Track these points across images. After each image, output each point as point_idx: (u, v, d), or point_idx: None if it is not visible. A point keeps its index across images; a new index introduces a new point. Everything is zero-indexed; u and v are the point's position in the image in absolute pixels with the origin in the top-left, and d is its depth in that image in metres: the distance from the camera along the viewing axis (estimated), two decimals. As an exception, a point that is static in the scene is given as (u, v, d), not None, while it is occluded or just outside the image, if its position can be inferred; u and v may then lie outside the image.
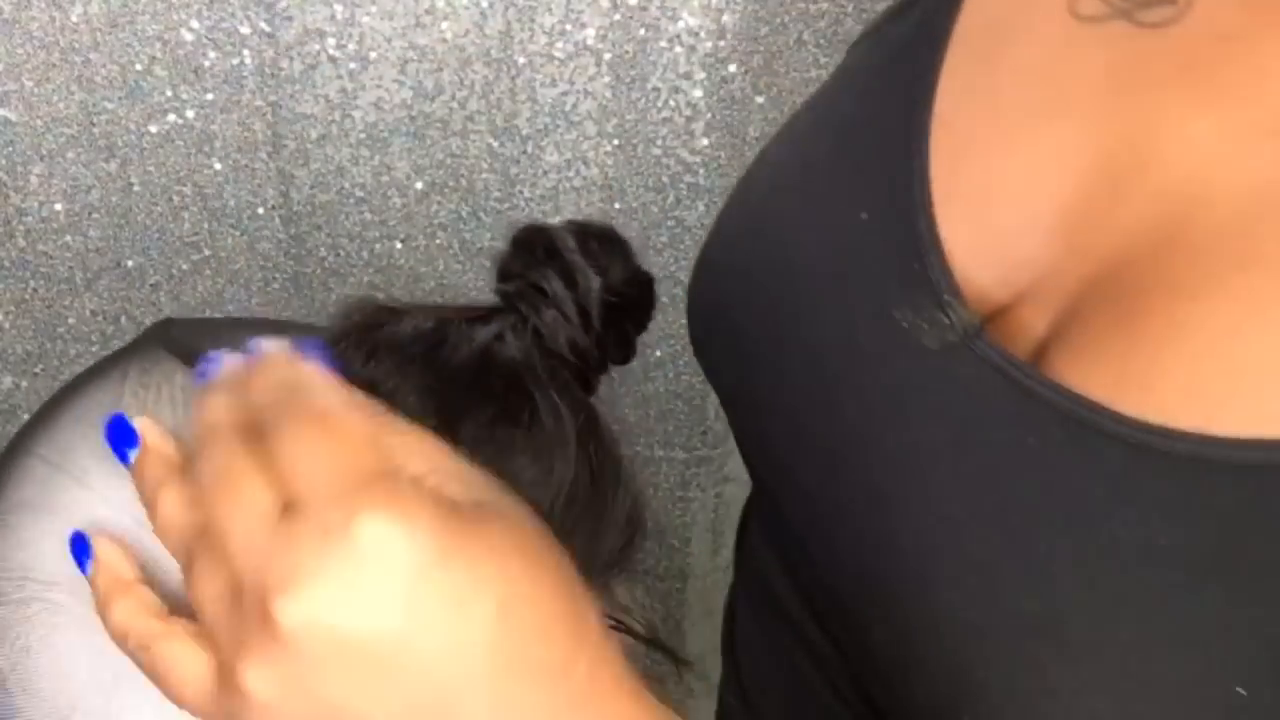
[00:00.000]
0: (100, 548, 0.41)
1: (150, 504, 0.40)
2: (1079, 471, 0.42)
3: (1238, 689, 0.39)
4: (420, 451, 0.38)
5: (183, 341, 0.44)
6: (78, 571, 0.41)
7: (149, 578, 0.41)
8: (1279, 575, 0.39)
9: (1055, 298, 0.45)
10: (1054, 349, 0.44)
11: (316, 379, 0.39)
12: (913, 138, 0.48)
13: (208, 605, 0.38)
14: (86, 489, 0.41)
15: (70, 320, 1.09)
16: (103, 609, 0.40)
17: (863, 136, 0.51)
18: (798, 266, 0.50)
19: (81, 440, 0.42)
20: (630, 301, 0.46)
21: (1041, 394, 0.42)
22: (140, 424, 0.41)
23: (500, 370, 0.43)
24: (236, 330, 0.45)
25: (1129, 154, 0.44)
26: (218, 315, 1.07)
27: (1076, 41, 0.47)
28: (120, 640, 0.40)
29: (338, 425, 0.37)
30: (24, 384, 1.11)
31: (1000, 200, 0.47)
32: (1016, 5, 0.49)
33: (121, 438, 0.41)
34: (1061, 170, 0.46)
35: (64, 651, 0.41)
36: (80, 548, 0.41)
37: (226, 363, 0.41)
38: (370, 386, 0.42)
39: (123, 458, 0.41)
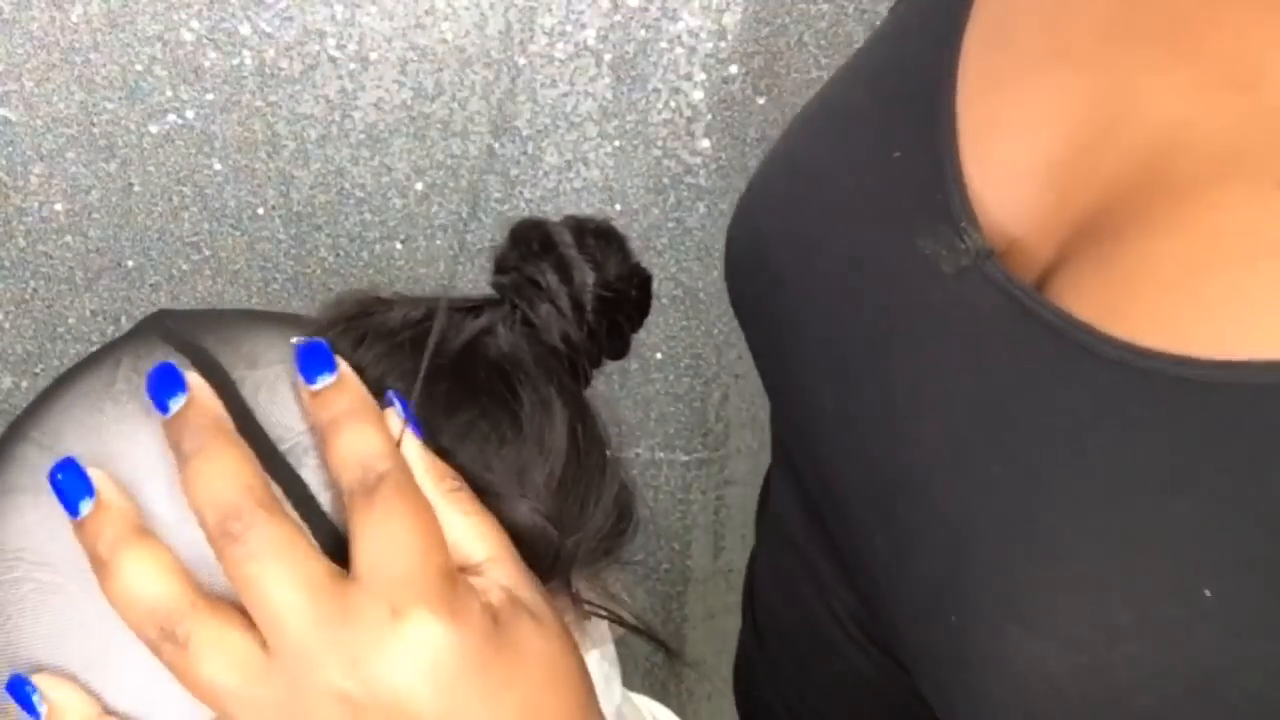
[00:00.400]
0: (102, 485, 0.40)
1: (191, 453, 0.40)
2: (1068, 388, 0.45)
3: (1205, 591, 0.42)
4: (482, 537, 0.41)
5: (177, 332, 0.44)
6: (71, 552, 0.41)
7: None
8: (1243, 485, 0.42)
9: (1055, 231, 0.49)
10: (1053, 278, 0.48)
11: (387, 456, 0.40)
12: (941, 76, 0.52)
13: (243, 681, 0.39)
14: None
15: (70, 320, 1.09)
16: (106, 568, 0.39)
17: (896, 79, 0.55)
18: (831, 202, 0.54)
19: (73, 424, 0.42)
20: (625, 297, 0.46)
21: (1040, 314, 0.46)
22: (190, 377, 0.41)
23: (489, 359, 0.44)
24: (231, 321, 0.45)
25: (1117, 102, 0.48)
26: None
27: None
28: (139, 597, 0.39)
29: (422, 523, 0.39)
30: (24, 384, 1.11)
31: (1012, 139, 0.50)
32: None
33: (167, 385, 0.41)
34: (1060, 115, 0.49)
35: (54, 630, 0.40)
36: (71, 478, 0.40)
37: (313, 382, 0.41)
38: (359, 372, 0.43)
39: (163, 407, 0.41)
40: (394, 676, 0.38)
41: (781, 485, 0.65)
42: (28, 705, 0.40)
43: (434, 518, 0.39)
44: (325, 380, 0.41)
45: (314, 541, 0.39)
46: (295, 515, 0.40)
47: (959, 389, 0.48)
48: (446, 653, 0.38)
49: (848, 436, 0.53)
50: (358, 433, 0.40)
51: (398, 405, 0.41)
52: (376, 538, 0.38)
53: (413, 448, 0.41)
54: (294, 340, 0.43)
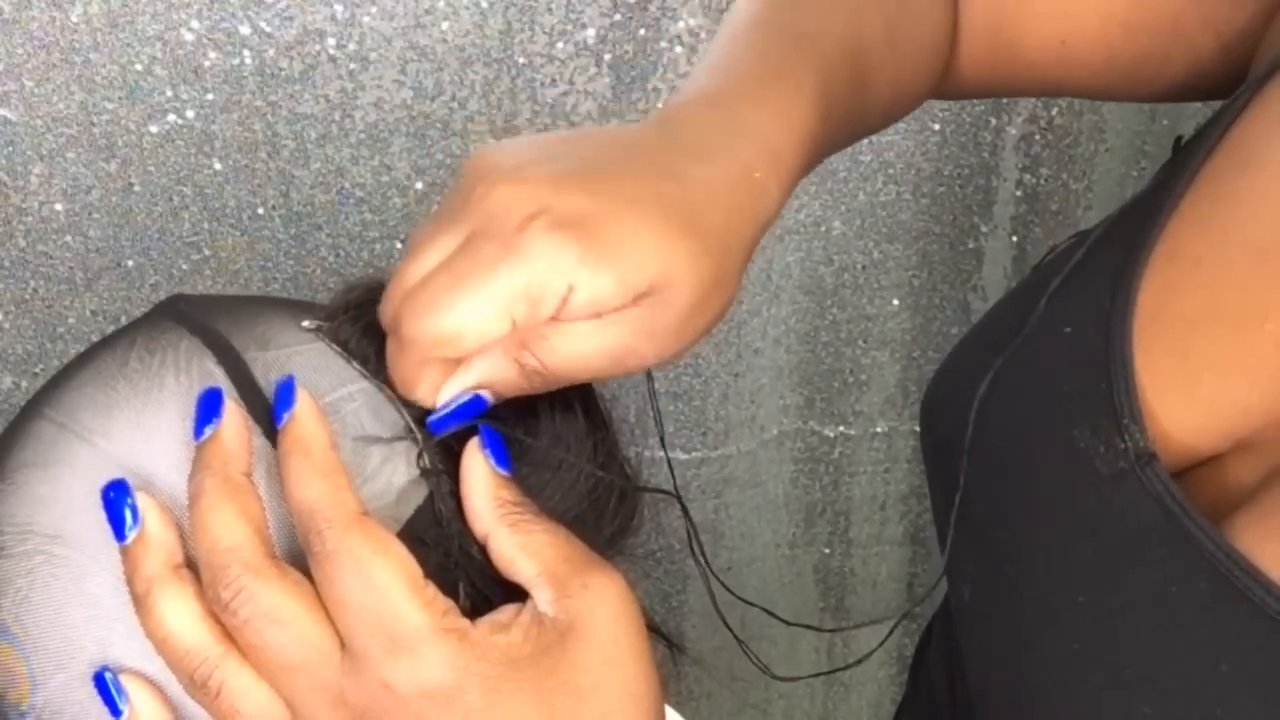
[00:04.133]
0: (150, 518, 0.40)
1: (193, 498, 0.40)
2: (1209, 636, 0.39)
3: None
4: (530, 551, 0.40)
5: (191, 315, 0.44)
6: (80, 525, 0.41)
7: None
8: None
9: (1268, 450, 0.42)
10: (1246, 506, 0.41)
11: (338, 505, 0.39)
12: (1133, 256, 0.46)
13: (275, 665, 0.39)
14: (90, 445, 0.42)
15: (70, 320, 1.09)
16: (144, 599, 0.39)
17: (1095, 251, 0.49)
18: (1004, 375, 0.49)
19: (87, 401, 0.43)
20: None
21: (1197, 539, 0.40)
22: (228, 408, 0.41)
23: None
24: (244, 306, 0.46)
25: None
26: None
27: None
28: (162, 644, 0.39)
29: (379, 573, 0.38)
30: (24, 384, 1.11)
31: (1217, 335, 0.44)
32: (1270, 144, 0.46)
33: (207, 411, 0.41)
34: None
35: (63, 602, 0.41)
36: (119, 501, 0.40)
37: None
38: (364, 360, 0.43)
39: (198, 432, 0.41)
40: None
41: (937, 661, 0.60)
42: (111, 702, 0.40)
43: (389, 567, 0.38)
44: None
45: (311, 590, 0.39)
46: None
47: (1092, 607, 0.42)
48: (446, 711, 0.37)
49: (979, 632, 0.48)
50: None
51: (485, 444, 0.42)
52: (338, 605, 0.38)
53: (476, 475, 0.41)
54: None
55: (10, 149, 1.00)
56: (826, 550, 1.29)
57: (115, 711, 0.40)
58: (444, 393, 0.41)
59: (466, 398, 0.41)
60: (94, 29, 0.97)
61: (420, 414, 0.42)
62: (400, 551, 0.39)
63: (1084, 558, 0.43)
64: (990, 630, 0.47)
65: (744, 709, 1.34)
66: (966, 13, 0.58)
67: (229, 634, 0.39)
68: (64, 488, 0.42)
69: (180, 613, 0.39)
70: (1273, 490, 0.41)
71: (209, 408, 0.41)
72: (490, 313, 0.39)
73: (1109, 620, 0.41)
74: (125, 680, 0.40)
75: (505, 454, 0.42)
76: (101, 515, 0.41)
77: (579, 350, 0.40)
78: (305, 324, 0.44)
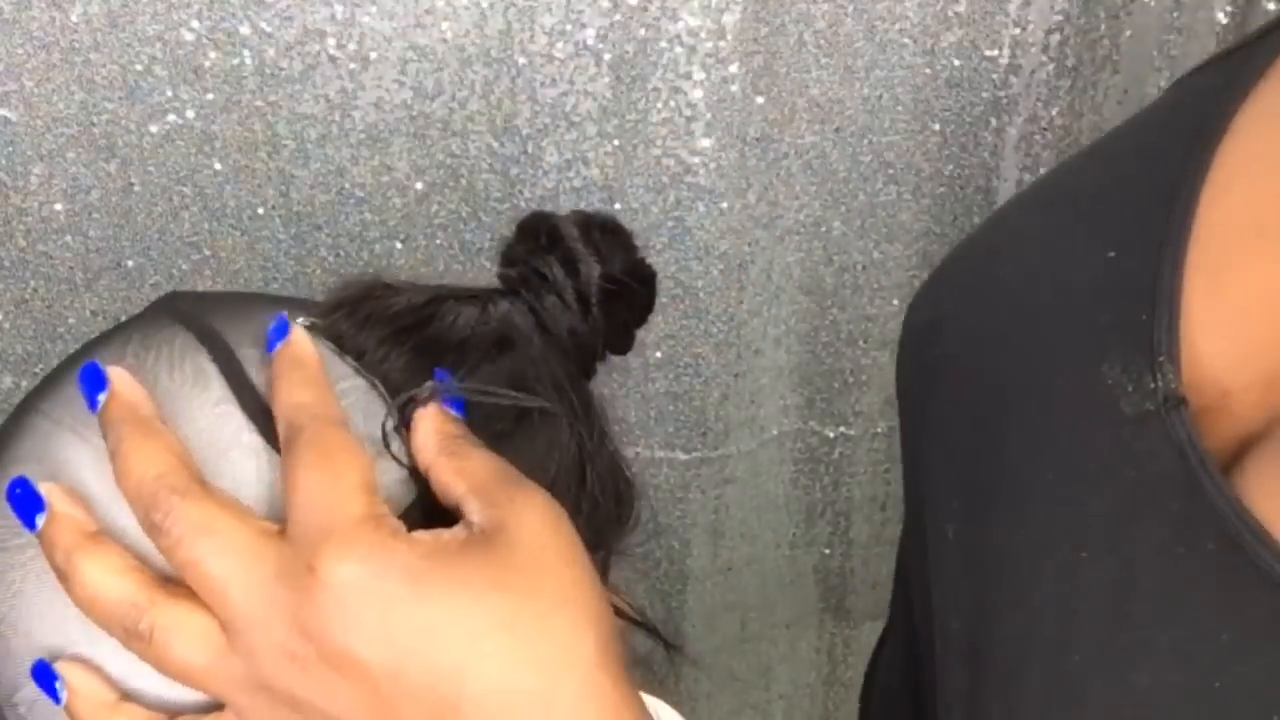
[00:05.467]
0: (71, 675, 0.41)
1: (114, 453, 0.41)
2: (1213, 601, 0.37)
3: None
4: (462, 474, 0.42)
5: (187, 312, 0.45)
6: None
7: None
8: None
9: (1276, 391, 0.40)
10: (1251, 455, 0.39)
11: (325, 406, 0.41)
12: (1187, 182, 0.43)
13: (207, 661, 0.40)
14: (85, 441, 0.42)
15: (70, 320, 1.09)
16: (68, 572, 0.40)
17: (1137, 172, 0.46)
18: (1024, 293, 0.46)
19: (81, 399, 0.43)
20: (630, 291, 0.47)
21: (1211, 497, 0.37)
22: (111, 370, 0.42)
23: (495, 350, 0.44)
24: (239, 302, 0.46)
25: None
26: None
27: None
28: (100, 600, 0.40)
29: (341, 467, 0.40)
30: (24, 384, 1.11)
31: (1256, 273, 0.41)
32: None
33: (93, 383, 0.42)
34: None
35: (55, 596, 0.41)
36: (25, 494, 0.41)
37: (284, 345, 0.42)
38: (359, 356, 0.44)
39: (92, 404, 0.42)
40: (328, 627, 0.38)
41: (893, 648, 0.57)
42: (50, 689, 0.41)
43: (353, 465, 0.39)
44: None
45: (243, 506, 0.40)
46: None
47: (1092, 563, 0.40)
48: (367, 595, 0.38)
49: (958, 580, 0.45)
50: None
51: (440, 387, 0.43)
52: (294, 490, 0.39)
53: (427, 413, 0.43)
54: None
55: (10, 149, 1.00)
56: (826, 550, 1.29)
57: (55, 698, 0.41)
58: None
59: None
60: (94, 29, 0.96)
61: (411, 412, 0.43)
62: (365, 459, 0.40)
63: (1090, 507, 0.40)
64: (974, 579, 0.44)
65: (744, 709, 1.33)
66: None
67: (157, 580, 0.40)
68: (58, 483, 0.42)
69: (101, 571, 0.40)
70: (1279, 440, 0.39)
71: (94, 382, 0.42)
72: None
73: (1108, 579, 0.39)
74: (59, 666, 0.41)
75: (460, 405, 0.43)
76: (101, 503, 0.41)
77: None
78: (300, 321, 0.45)
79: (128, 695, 0.40)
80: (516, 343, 0.44)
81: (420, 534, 0.39)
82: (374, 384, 0.43)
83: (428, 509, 0.41)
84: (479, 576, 0.39)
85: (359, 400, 0.42)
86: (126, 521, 0.40)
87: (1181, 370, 0.40)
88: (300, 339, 0.42)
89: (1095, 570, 0.39)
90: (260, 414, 0.41)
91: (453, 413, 0.43)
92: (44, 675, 0.41)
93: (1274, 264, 0.41)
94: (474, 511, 0.41)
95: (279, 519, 0.40)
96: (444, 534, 0.40)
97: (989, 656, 0.43)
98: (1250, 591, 0.36)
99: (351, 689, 0.38)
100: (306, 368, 0.41)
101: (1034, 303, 0.45)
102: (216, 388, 0.42)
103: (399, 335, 0.44)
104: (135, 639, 0.39)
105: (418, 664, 0.37)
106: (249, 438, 0.41)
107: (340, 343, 0.44)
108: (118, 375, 0.42)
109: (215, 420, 0.41)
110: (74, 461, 0.42)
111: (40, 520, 0.41)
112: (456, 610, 0.38)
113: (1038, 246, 0.47)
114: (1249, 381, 0.40)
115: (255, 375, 0.42)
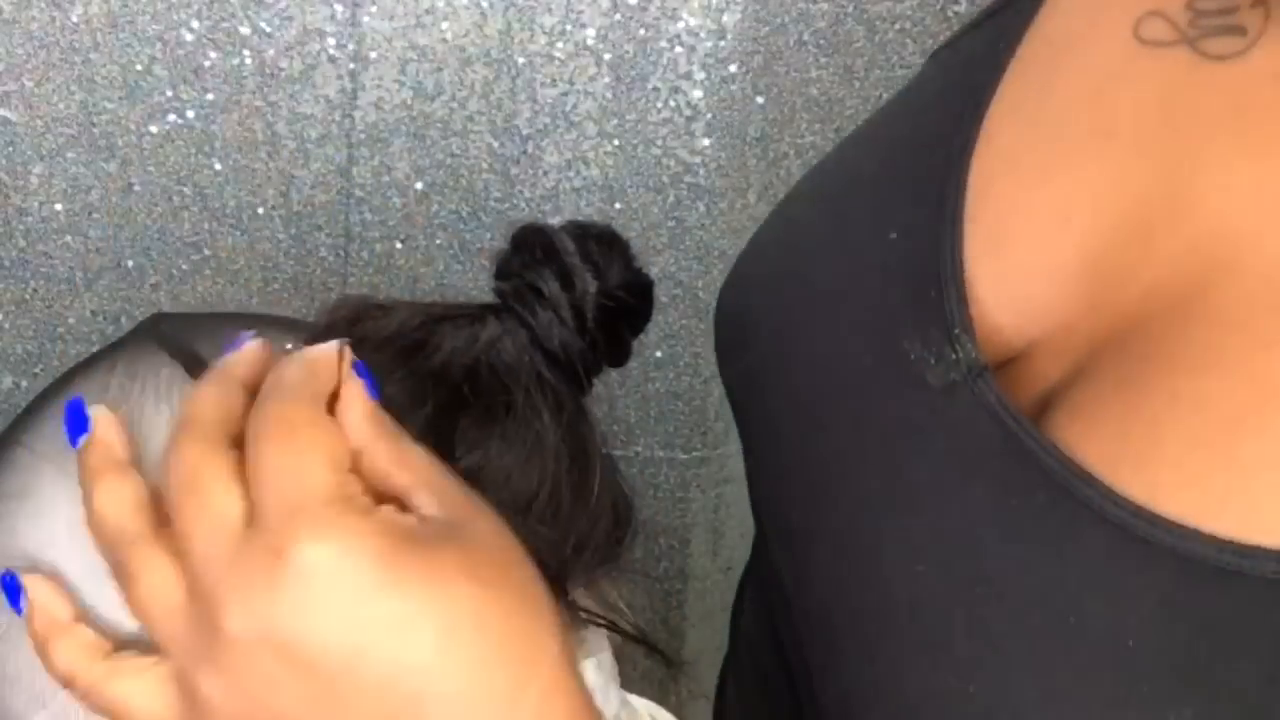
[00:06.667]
0: (34, 589, 0.41)
1: (87, 496, 0.40)
2: (1053, 545, 0.38)
3: None
4: (404, 464, 0.39)
5: (173, 336, 0.44)
6: (59, 557, 0.42)
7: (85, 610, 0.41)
8: (1253, 696, 0.35)
9: (1070, 349, 0.42)
10: (1058, 405, 0.41)
11: (300, 386, 0.39)
12: (954, 157, 0.44)
13: (161, 613, 0.38)
14: (68, 476, 0.42)
15: (70, 320, 1.09)
16: (43, 653, 0.40)
17: (909, 152, 0.47)
18: (820, 284, 0.47)
19: (63, 430, 0.43)
20: (627, 305, 0.46)
21: (1032, 451, 0.39)
22: (94, 411, 0.41)
23: (487, 367, 0.44)
24: (227, 325, 0.45)
25: (1165, 198, 0.41)
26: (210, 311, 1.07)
27: (1133, 67, 0.43)
28: (66, 685, 0.40)
29: (305, 441, 0.37)
30: (24, 384, 1.11)
31: (1028, 235, 0.43)
32: (1083, 24, 0.45)
33: (77, 422, 0.42)
34: (1095, 208, 0.42)
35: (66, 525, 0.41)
36: (12, 587, 0.41)
37: (239, 352, 0.41)
38: None
39: (73, 442, 0.41)
40: (289, 614, 0.36)
41: (753, 595, 0.58)
42: (14, 599, 0.41)
43: (319, 439, 0.37)
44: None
45: (227, 466, 0.38)
46: None
47: (932, 526, 0.41)
48: (335, 580, 0.35)
49: (809, 561, 0.46)
50: (102, 496, 0.39)
51: (347, 352, 0.41)
52: (257, 467, 0.37)
53: (353, 392, 0.40)
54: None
55: (10, 149, 1.00)
56: (826, 549, 1.28)
57: (17, 608, 0.40)
58: None
59: None
60: (94, 29, 0.96)
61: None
62: (333, 429, 0.38)
63: (918, 476, 0.42)
64: (823, 558, 0.45)
65: (744, 708, 1.33)
66: None
67: (151, 523, 0.39)
68: (42, 519, 0.42)
69: (113, 495, 0.39)
70: (1080, 386, 0.41)
71: (76, 422, 0.42)
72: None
73: (951, 539, 0.40)
74: (25, 578, 0.41)
75: (375, 385, 0.41)
76: (81, 546, 0.41)
77: None
78: (288, 347, 0.44)
79: (86, 615, 0.40)
80: (515, 366, 0.43)
81: (389, 512, 0.37)
82: None
83: None
84: (452, 566, 0.36)
85: None
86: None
87: (977, 338, 0.41)
88: (99, 435, 0.41)
89: (935, 533, 0.41)
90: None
91: (374, 398, 0.40)
92: (11, 587, 0.40)
93: (1032, 237, 0.42)
94: (426, 505, 0.38)
95: None
96: (412, 517, 0.37)
97: (847, 630, 0.43)
98: (1085, 532, 0.37)
99: (299, 681, 0.36)
100: (302, 355, 0.39)
101: (829, 290, 0.46)
102: None
103: (392, 360, 0.43)
104: (119, 569, 0.39)
105: (382, 657, 0.35)
106: None
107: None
108: (100, 419, 0.41)
109: None
110: (58, 498, 0.41)
111: (81, 440, 0.40)
112: (429, 603, 0.36)
113: (825, 235, 0.48)
114: (1040, 337, 0.42)
115: None
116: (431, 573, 0.36)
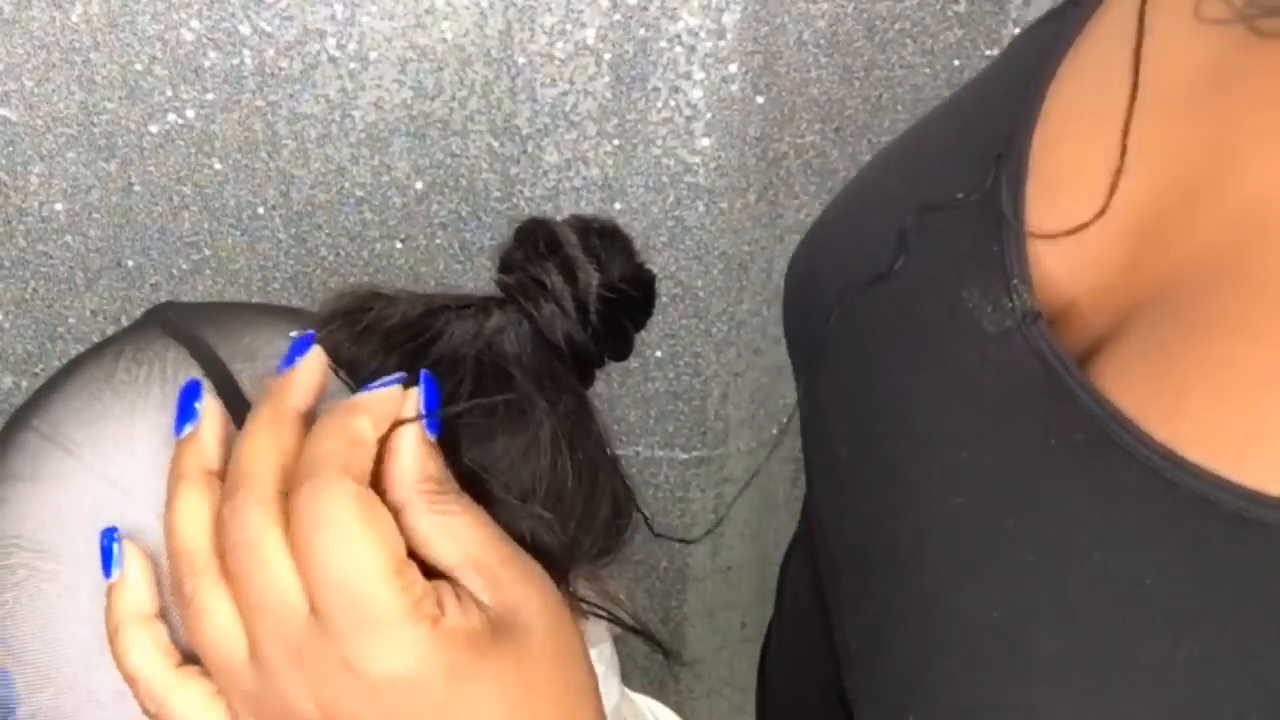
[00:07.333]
0: (131, 564, 0.40)
1: (171, 495, 0.40)
2: (1090, 484, 0.40)
3: None
4: (454, 538, 0.39)
5: (180, 325, 0.44)
6: (66, 540, 0.41)
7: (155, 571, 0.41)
8: (1258, 638, 0.37)
9: (1117, 301, 0.44)
10: (1101, 353, 0.43)
11: (346, 462, 0.38)
12: (1021, 121, 0.47)
13: (224, 666, 0.39)
14: (75, 459, 0.42)
15: (70, 320, 1.09)
16: (115, 639, 0.40)
17: (977, 120, 0.50)
18: (886, 238, 0.50)
19: (73, 413, 0.43)
20: (629, 298, 0.46)
21: (1075, 394, 0.41)
22: (204, 406, 0.41)
23: (491, 359, 0.44)
24: (232, 315, 0.45)
25: (1211, 165, 0.43)
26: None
27: (1191, 41, 0.45)
28: (131, 682, 0.40)
29: (360, 545, 0.37)
30: (24, 384, 1.11)
31: (1081, 189, 0.46)
32: (1146, 6, 0.47)
33: (187, 407, 0.41)
34: (1151, 167, 0.44)
35: (49, 617, 0.41)
36: (108, 549, 0.41)
37: (290, 378, 0.41)
38: (352, 367, 0.43)
39: (178, 429, 0.41)
40: (354, 714, 0.37)
41: (800, 552, 0.61)
42: (107, 563, 0.41)
43: (377, 538, 0.37)
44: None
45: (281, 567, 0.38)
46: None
47: (974, 462, 0.43)
48: (405, 695, 0.37)
49: (853, 494, 0.49)
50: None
51: (421, 391, 0.41)
52: (313, 567, 0.37)
53: (406, 443, 0.40)
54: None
55: (10, 149, 1.00)
56: (826, 550, 1.29)
57: (107, 571, 0.40)
58: None
59: None
60: (94, 29, 0.96)
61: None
62: (386, 526, 0.38)
63: (967, 414, 0.44)
64: (867, 489, 0.48)
65: (743, 709, 1.34)
66: None
67: (218, 554, 0.39)
68: (50, 501, 0.42)
69: (193, 512, 0.39)
70: (1123, 339, 0.43)
71: (187, 404, 0.41)
72: None
73: (990, 474, 0.43)
74: (127, 544, 0.40)
75: (434, 424, 0.41)
76: (88, 529, 0.41)
77: None
78: (293, 335, 0.44)
79: (168, 613, 0.40)
80: (518, 358, 0.43)
81: (454, 618, 0.38)
82: None
83: None
84: (511, 675, 0.38)
85: None
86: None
87: (1034, 289, 0.44)
88: (311, 363, 0.40)
89: (976, 467, 0.43)
90: None
91: (431, 438, 0.40)
92: (108, 549, 0.40)
93: (1085, 192, 0.45)
94: (479, 590, 0.39)
95: None
96: (473, 616, 0.38)
97: (881, 557, 0.46)
98: (1117, 473, 0.40)
99: None
100: (341, 410, 0.39)
101: (897, 244, 0.49)
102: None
103: (395, 349, 0.43)
104: (178, 595, 0.39)
105: None
106: None
107: (334, 356, 0.43)
108: (209, 413, 0.40)
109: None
110: (65, 480, 0.41)
111: (187, 430, 0.40)
112: (486, 711, 0.38)
113: (899, 195, 0.51)
114: (1088, 291, 0.45)
115: (248, 390, 0.42)
116: (491, 681, 0.38)
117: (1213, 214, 0.42)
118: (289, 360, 0.41)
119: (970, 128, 0.51)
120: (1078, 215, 0.45)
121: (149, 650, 0.40)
